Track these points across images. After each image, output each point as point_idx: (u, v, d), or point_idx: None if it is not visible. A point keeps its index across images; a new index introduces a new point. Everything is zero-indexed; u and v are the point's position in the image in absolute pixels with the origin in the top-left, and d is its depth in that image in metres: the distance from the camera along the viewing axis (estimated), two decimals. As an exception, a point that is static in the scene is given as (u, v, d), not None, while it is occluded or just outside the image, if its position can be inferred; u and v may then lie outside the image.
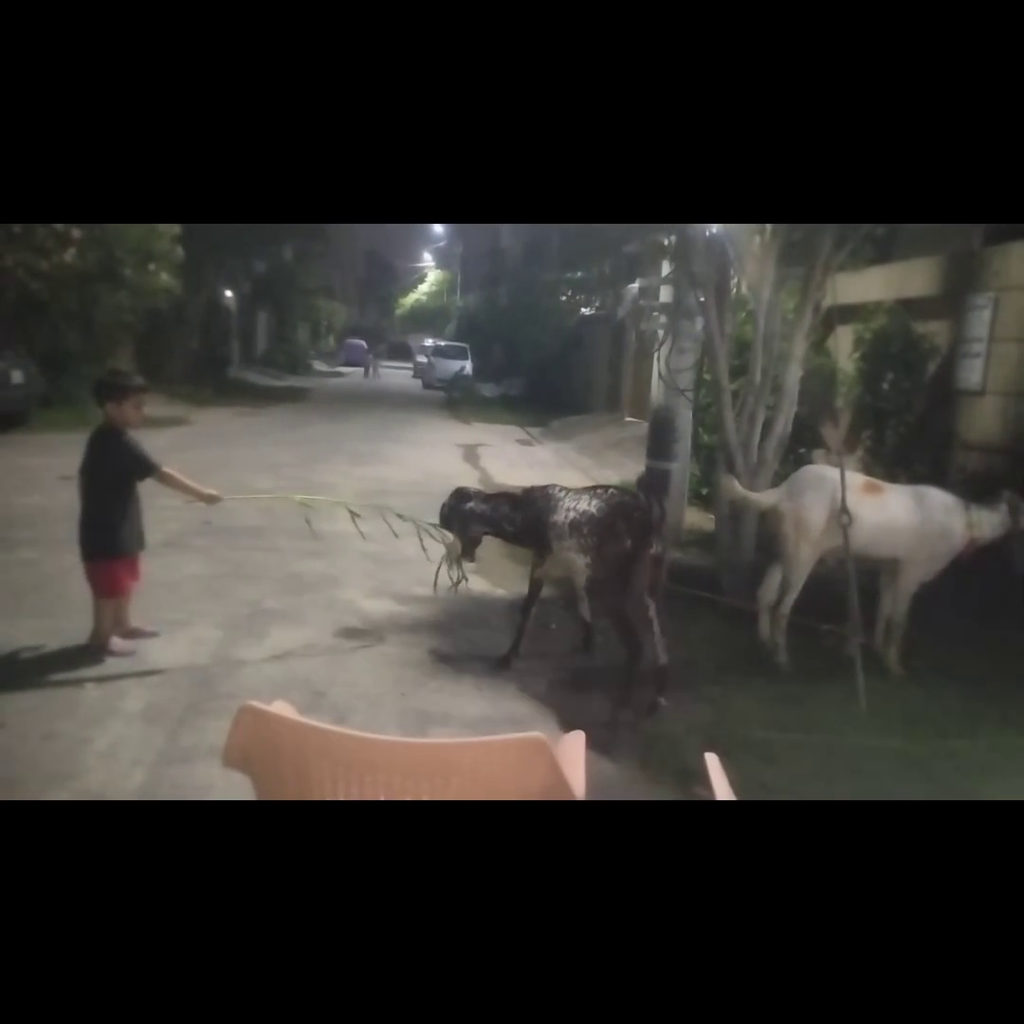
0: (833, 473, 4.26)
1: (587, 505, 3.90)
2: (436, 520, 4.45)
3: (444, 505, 4.35)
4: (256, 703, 1.43)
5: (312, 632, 4.64)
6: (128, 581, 4.13)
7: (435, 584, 4.43)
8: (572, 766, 1.80)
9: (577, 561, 3.97)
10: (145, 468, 4.02)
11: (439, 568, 4.43)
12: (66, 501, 6.70)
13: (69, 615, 4.45)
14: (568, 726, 3.46)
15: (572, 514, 3.91)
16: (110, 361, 13.89)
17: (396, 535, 4.78)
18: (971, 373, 6.38)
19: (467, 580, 4.53)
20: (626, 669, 3.82)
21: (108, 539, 3.99)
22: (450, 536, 4.34)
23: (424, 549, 4.60)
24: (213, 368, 21.12)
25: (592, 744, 3.42)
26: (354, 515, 4.75)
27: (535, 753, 1.51)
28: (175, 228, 14.02)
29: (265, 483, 8.83)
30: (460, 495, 4.34)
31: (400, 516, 4.73)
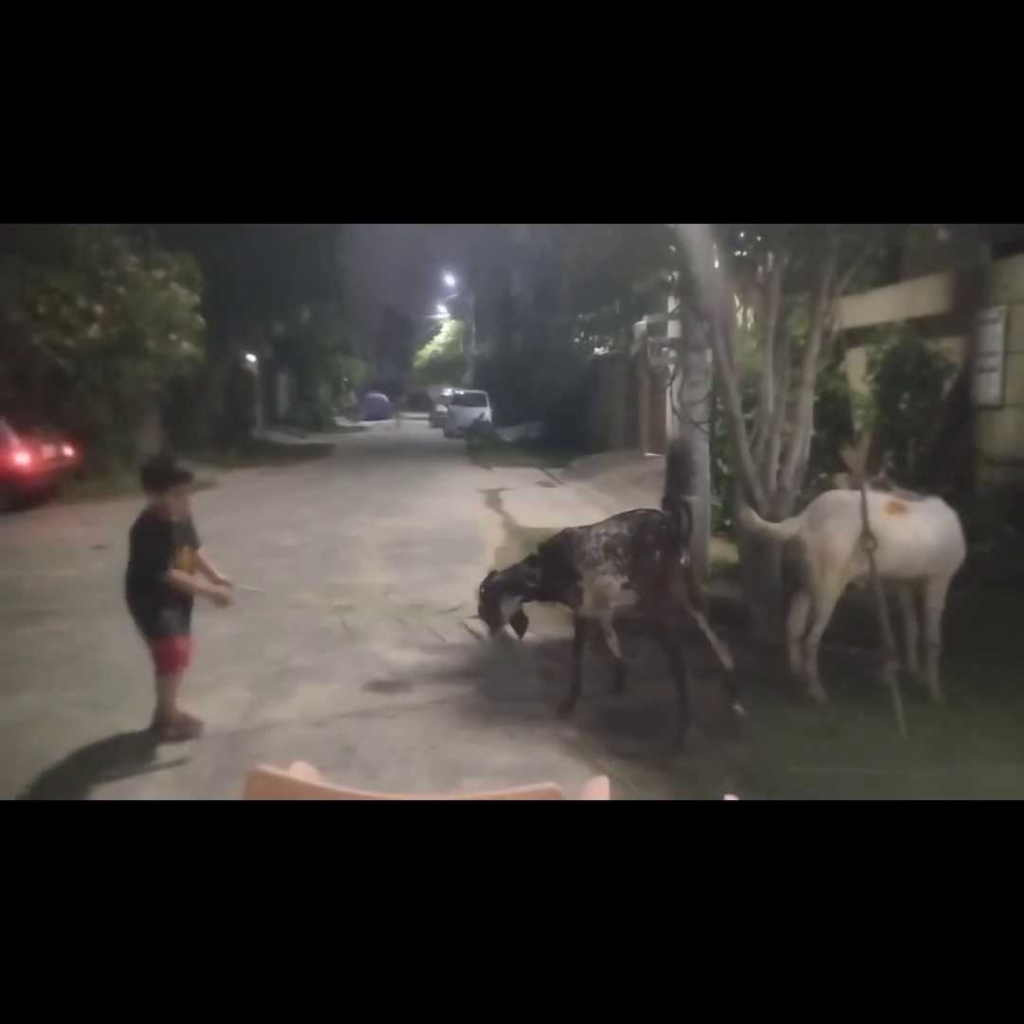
0: (854, 497, 4.20)
1: (617, 528, 4.08)
2: (461, 570, 4.47)
3: (478, 593, 4.36)
4: (267, 767, 1.43)
5: (340, 688, 4.64)
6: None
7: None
8: (595, 814, 1.77)
9: (613, 584, 4.02)
10: (156, 566, 3.78)
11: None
12: (97, 570, 6.85)
13: (100, 685, 4.51)
14: (601, 771, 3.40)
15: (604, 538, 4.05)
16: (137, 430, 14.24)
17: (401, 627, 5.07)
18: (988, 387, 6.33)
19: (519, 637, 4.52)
20: (679, 698, 3.86)
21: (172, 617, 3.87)
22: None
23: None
24: (237, 430, 21.54)
25: (634, 783, 3.41)
26: (403, 622, 4.94)
27: (552, 803, 1.48)
28: (194, 298, 14.43)
29: (289, 540, 8.92)
30: (488, 577, 4.40)
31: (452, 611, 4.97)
